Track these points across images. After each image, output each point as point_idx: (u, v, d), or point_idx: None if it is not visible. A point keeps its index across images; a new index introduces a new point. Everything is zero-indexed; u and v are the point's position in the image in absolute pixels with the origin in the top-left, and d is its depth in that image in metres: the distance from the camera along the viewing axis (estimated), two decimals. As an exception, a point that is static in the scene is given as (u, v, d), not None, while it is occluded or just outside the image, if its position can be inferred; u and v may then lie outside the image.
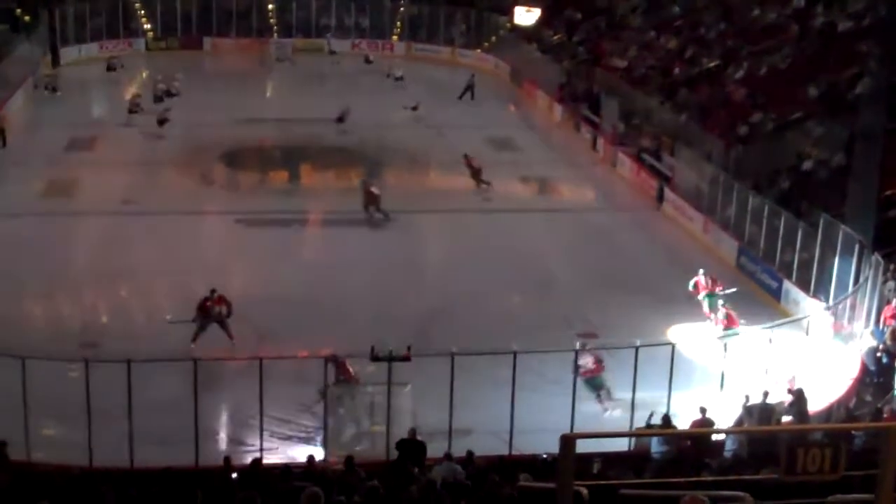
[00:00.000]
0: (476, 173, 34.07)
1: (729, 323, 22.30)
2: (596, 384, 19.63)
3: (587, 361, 19.45)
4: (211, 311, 21.56)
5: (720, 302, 23.37)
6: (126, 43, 55.49)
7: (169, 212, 30.87)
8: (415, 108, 43.69)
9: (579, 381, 18.69)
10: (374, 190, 31.10)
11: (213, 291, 21.79)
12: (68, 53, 52.51)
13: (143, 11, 56.73)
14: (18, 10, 51.17)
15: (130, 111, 40.86)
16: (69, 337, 22.06)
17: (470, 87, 48.10)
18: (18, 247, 27.50)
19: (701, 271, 24.44)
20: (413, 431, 16.83)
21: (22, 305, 24.42)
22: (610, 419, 18.92)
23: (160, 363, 18.16)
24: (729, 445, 16.82)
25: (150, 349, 19.13)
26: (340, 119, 40.85)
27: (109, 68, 50.20)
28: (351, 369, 19.03)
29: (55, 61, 51.35)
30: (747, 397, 18.27)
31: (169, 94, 43.13)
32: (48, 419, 18.04)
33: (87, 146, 37.94)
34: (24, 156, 36.32)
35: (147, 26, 56.90)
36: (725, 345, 20.27)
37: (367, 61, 54.22)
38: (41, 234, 28.69)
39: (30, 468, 15.85)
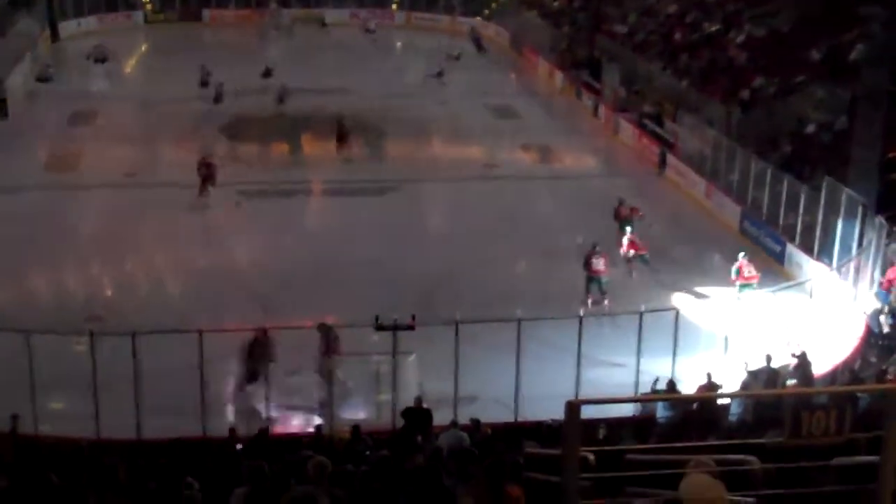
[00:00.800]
0: (343, 137, 34.34)
1: (632, 248, 24.30)
2: (597, 283, 22.68)
3: (600, 262, 22.75)
4: (257, 354, 18.38)
5: (628, 228, 24.90)
6: (125, 16, 55.25)
7: (171, 184, 30.80)
8: (457, 58, 46.69)
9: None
10: (215, 161, 30.19)
11: (264, 331, 18.49)
12: (67, 27, 52.27)
13: (141, -17, 56.52)
14: (17, -16, 50.83)
15: (216, 101, 39.38)
16: (74, 310, 22.06)
17: (477, 41, 48.75)
18: (21, 220, 27.51)
19: (620, 198, 26.64)
20: (419, 400, 16.86)
21: (26, 279, 24.44)
22: (613, 384, 18.89)
23: (165, 335, 18.13)
24: (734, 409, 16.85)
25: (155, 321, 19.12)
26: (439, 74, 43.51)
27: (97, 60, 45.92)
28: (340, 344, 18.83)
29: (54, 36, 51.09)
30: (746, 363, 18.32)
31: (268, 73, 42.88)
32: (55, 393, 18.05)
33: (89, 120, 37.85)
34: (26, 129, 36.26)
35: (145, -2, 56.72)
36: (636, 267, 24.14)
37: (323, 24, 56.19)
38: (44, 207, 28.69)
39: (37, 441, 15.92)
